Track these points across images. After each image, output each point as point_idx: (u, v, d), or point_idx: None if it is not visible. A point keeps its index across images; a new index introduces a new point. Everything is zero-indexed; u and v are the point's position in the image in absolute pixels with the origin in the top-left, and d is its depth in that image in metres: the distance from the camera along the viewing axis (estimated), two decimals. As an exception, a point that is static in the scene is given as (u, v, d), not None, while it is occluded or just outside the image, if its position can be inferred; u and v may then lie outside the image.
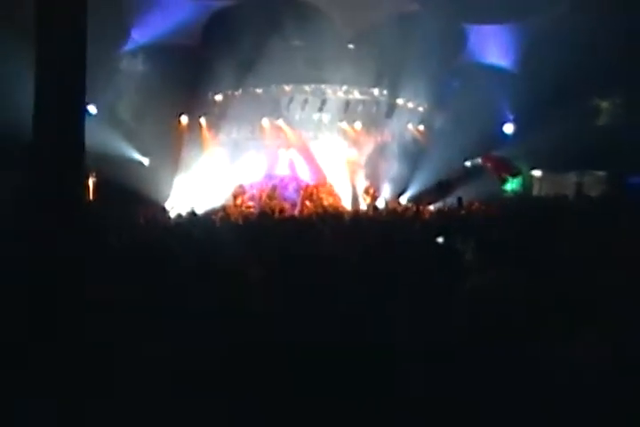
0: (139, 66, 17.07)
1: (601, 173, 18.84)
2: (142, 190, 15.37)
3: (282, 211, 14.94)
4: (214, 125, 19.43)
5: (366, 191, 19.08)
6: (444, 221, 9.36)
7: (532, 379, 2.00)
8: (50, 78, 6.70)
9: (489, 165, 19.54)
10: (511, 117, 20.10)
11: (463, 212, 12.77)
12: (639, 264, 3.19)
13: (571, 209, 10.31)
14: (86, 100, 7.63)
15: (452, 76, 19.26)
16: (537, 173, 19.97)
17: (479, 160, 19.87)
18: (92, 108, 15.69)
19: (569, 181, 19.15)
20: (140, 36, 16.99)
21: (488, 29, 18.06)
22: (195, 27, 17.61)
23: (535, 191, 19.62)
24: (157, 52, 17.17)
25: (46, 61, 6.68)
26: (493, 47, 18.53)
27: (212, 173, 18.24)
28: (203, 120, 19.60)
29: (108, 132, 15.80)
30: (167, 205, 16.04)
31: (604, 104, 19.12)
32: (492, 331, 2.12)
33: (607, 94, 18.79)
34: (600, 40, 14.04)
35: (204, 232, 7.79)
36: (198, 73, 17.03)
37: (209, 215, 12.37)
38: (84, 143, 6.88)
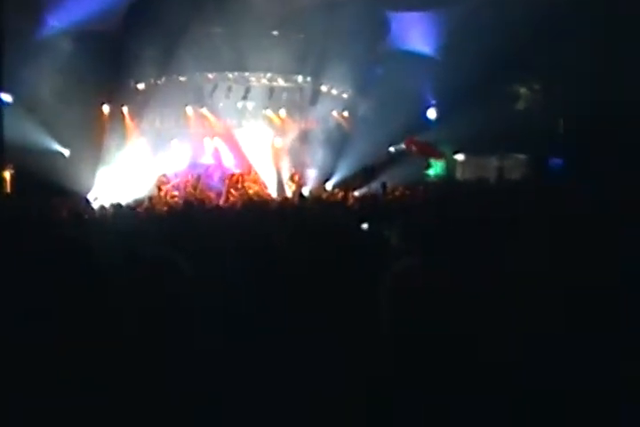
0: (58, 53, 16.48)
1: (521, 157, 19.41)
2: (63, 182, 14.97)
3: (204, 200, 14.74)
4: (137, 115, 19.05)
5: (291, 178, 19.06)
6: (368, 207, 9.41)
7: (457, 370, 2.06)
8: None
9: (414, 148, 19.77)
10: (434, 103, 20.43)
11: (389, 196, 12.93)
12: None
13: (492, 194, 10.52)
14: (1, 89, 7.37)
15: (376, 63, 19.40)
16: (460, 156, 20.41)
17: (403, 145, 20.13)
18: (6, 97, 15.06)
19: (491, 165, 19.67)
20: (57, 22, 16.42)
21: (410, 17, 18.28)
22: (115, 13, 17.17)
23: (458, 175, 20.06)
24: (77, 38, 16.66)
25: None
26: (415, 34, 18.76)
27: (135, 164, 17.91)
28: (125, 109, 19.16)
29: (25, 123, 15.27)
30: (90, 197, 15.66)
31: (523, 90, 19.67)
32: (415, 319, 2.17)
33: (525, 80, 19.32)
34: (519, 27, 14.38)
35: (129, 224, 7.65)
36: (119, 61, 16.65)
37: (133, 207, 12.16)
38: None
